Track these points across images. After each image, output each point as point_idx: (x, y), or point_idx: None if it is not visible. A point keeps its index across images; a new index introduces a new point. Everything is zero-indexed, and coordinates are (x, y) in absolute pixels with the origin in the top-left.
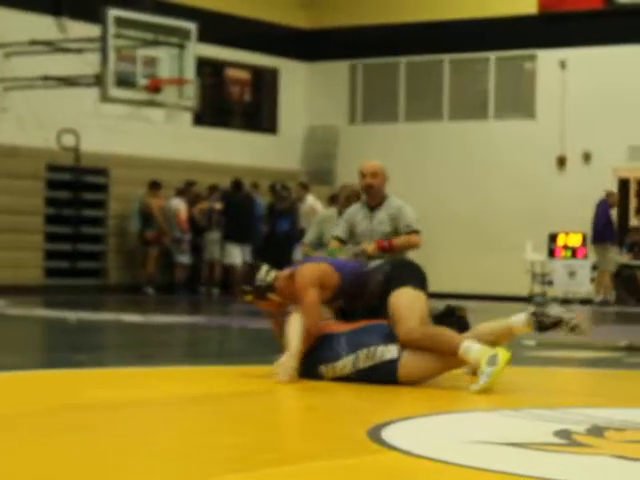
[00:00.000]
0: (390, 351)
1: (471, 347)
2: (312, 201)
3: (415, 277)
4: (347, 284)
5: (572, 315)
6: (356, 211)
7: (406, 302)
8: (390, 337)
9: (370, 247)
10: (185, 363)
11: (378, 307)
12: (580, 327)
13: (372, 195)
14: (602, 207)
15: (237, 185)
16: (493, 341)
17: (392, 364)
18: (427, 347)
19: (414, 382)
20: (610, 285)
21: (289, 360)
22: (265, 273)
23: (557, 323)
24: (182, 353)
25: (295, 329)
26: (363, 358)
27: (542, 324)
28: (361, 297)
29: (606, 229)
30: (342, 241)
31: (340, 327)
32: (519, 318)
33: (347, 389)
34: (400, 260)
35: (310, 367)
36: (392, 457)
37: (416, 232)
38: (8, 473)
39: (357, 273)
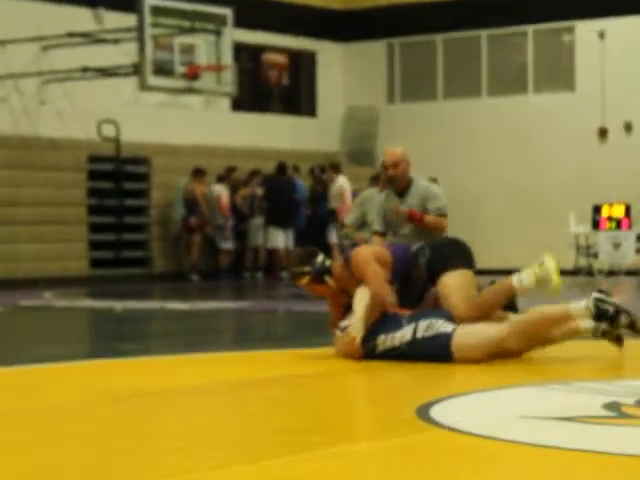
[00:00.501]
0: (447, 327)
1: (520, 276)
2: (342, 182)
3: (458, 257)
4: (399, 264)
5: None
6: (373, 196)
7: (454, 287)
8: (450, 318)
9: (402, 209)
10: (232, 349)
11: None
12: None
13: (397, 184)
14: None
15: (281, 169)
16: (555, 338)
17: (447, 336)
18: (488, 312)
19: (465, 358)
20: None
21: (357, 322)
22: (322, 259)
23: (618, 312)
24: (229, 339)
25: (361, 299)
26: (424, 327)
27: (601, 311)
28: (410, 281)
29: None
30: (380, 233)
31: (402, 311)
32: (578, 305)
33: (394, 369)
34: (440, 241)
35: (369, 337)
36: (441, 435)
37: (444, 215)
38: (60, 461)
39: (404, 254)
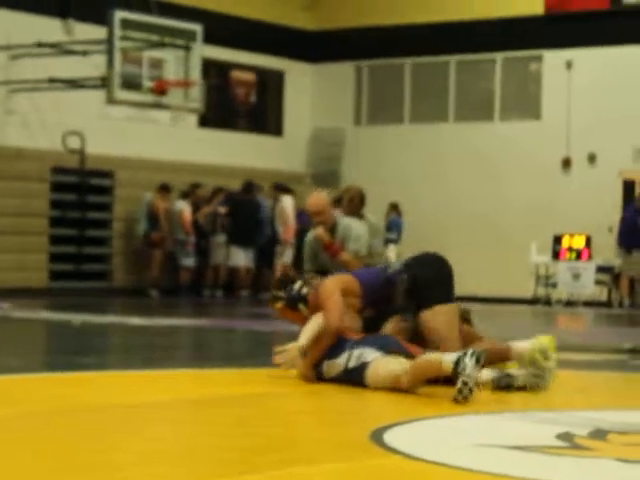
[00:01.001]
0: (370, 356)
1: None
2: (285, 202)
3: (441, 285)
4: (370, 291)
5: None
6: (336, 218)
7: (442, 324)
8: (387, 348)
9: (324, 237)
10: (190, 366)
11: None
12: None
13: (326, 227)
14: (629, 211)
15: (248, 187)
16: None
17: (366, 364)
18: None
19: (376, 387)
20: (627, 290)
21: (293, 349)
22: (300, 286)
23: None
24: (187, 356)
25: (310, 326)
26: (356, 356)
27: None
28: (390, 308)
29: (631, 234)
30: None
31: (357, 335)
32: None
33: (349, 392)
34: (419, 265)
35: (320, 363)
36: (394, 461)
37: (360, 258)
38: (5, 475)
39: (376, 280)
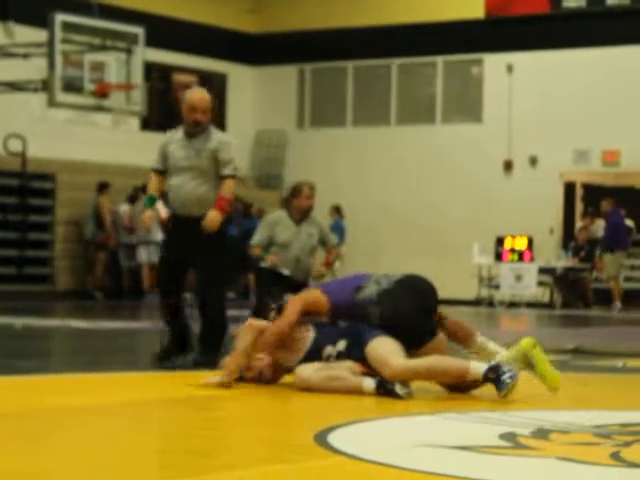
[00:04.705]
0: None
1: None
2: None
3: (414, 324)
4: (337, 311)
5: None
6: (282, 219)
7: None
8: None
9: (217, 214)
10: (133, 369)
11: None
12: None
13: (190, 126)
14: (613, 215)
15: None
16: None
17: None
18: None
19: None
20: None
21: (232, 359)
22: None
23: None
24: (130, 359)
25: (244, 337)
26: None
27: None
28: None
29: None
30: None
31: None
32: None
33: (294, 394)
34: (394, 297)
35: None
36: (338, 461)
37: (232, 177)
38: None
39: (347, 302)
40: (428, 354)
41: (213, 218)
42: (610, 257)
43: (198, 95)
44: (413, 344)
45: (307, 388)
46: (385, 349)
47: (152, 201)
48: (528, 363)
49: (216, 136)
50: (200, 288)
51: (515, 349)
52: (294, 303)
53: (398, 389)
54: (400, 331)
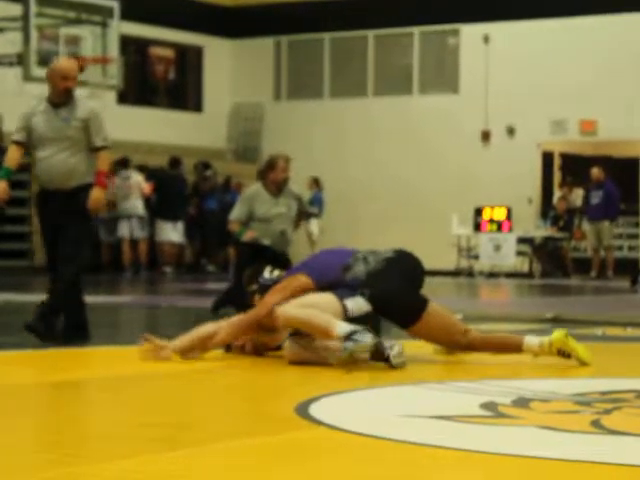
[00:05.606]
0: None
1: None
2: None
3: (406, 304)
4: (322, 290)
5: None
6: (260, 193)
7: (436, 331)
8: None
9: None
10: (113, 343)
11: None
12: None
13: (61, 95)
14: (608, 184)
15: (174, 163)
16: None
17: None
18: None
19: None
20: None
21: (165, 347)
22: (269, 272)
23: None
24: (108, 333)
25: (200, 330)
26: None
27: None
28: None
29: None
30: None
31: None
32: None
33: (274, 366)
34: (384, 278)
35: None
36: (320, 433)
37: (106, 148)
38: None
39: (335, 281)
40: (427, 330)
41: (97, 197)
42: (608, 226)
43: (68, 63)
44: (408, 321)
45: (287, 323)
46: (308, 299)
47: (8, 173)
48: (564, 354)
49: (85, 105)
50: (59, 262)
51: (548, 344)
52: (274, 295)
53: (392, 357)
54: (392, 310)
